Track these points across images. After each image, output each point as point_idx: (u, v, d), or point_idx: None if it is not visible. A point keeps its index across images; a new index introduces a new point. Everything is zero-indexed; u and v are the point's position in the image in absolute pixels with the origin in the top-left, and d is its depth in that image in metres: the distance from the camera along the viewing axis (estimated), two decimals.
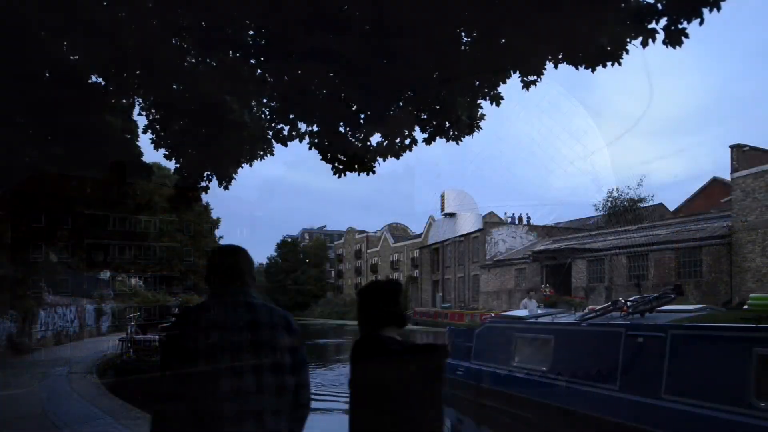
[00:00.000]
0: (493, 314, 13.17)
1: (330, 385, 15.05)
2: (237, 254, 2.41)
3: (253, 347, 2.18)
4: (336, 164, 5.77)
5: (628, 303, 8.46)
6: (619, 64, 4.01)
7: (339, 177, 5.80)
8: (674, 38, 3.75)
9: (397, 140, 5.59)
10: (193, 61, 5.42)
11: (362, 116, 5.35)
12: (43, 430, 7.41)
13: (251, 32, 4.88)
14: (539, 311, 11.16)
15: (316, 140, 5.66)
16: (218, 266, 2.39)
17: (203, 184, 6.87)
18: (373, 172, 5.86)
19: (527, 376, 9.37)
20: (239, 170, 6.68)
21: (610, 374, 7.68)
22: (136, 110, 6.50)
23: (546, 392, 8.75)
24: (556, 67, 4.24)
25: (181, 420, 2.09)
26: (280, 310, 2.40)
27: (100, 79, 5.72)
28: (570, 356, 8.75)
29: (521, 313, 11.12)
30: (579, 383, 8.20)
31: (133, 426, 7.71)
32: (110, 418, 7.85)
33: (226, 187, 6.68)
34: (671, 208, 48.82)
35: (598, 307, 9.27)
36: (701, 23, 3.67)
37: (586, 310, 10.41)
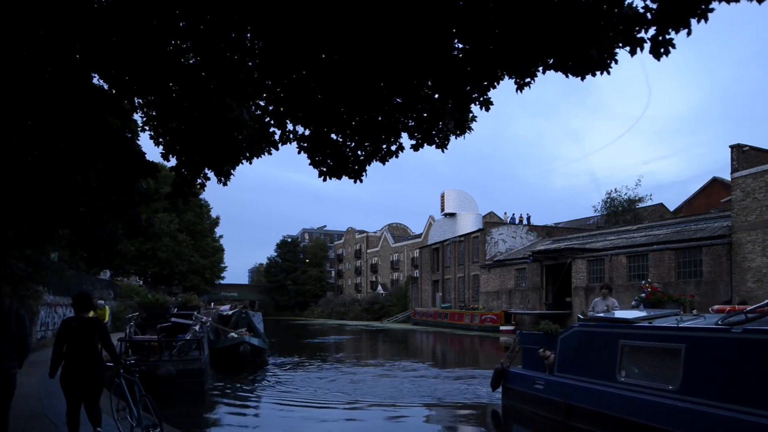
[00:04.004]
0: (580, 316, 10.81)
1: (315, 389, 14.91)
2: None
3: (1, 321, 5.53)
4: (322, 168, 5.81)
5: None
6: (608, 73, 4.04)
7: (324, 180, 5.89)
8: (660, 49, 3.77)
9: (383, 146, 5.62)
10: (193, 61, 5.44)
11: (353, 122, 5.38)
12: (43, 430, 7.42)
13: (249, 34, 4.90)
14: (642, 312, 9.08)
15: (305, 144, 5.68)
16: None
17: (200, 180, 6.88)
18: (360, 180, 5.87)
19: (645, 397, 7.44)
20: (239, 167, 6.69)
21: None
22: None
23: (676, 419, 6.89)
24: (544, 73, 4.28)
25: None
26: (15, 306, 5.91)
27: (101, 81, 5.74)
28: (714, 372, 6.77)
29: (628, 314, 9.08)
30: (733, 410, 6.30)
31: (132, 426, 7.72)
32: (110, 418, 7.86)
33: (225, 183, 6.69)
34: (671, 208, 48.93)
35: (749, 307, 7.15)
36: (689, 34, 3.68)
37: (711, 310, 8.48)
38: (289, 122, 5.63)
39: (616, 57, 3.96)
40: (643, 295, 10.11)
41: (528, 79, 4.33)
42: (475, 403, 12.08)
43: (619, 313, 9.42)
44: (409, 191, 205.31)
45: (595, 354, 8.77)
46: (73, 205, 7.81)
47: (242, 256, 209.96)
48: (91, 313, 6.86)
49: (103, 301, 19.28)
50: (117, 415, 7.17)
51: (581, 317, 10.21)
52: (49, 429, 7.48)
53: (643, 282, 12.77)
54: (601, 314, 9.81)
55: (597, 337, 8.96)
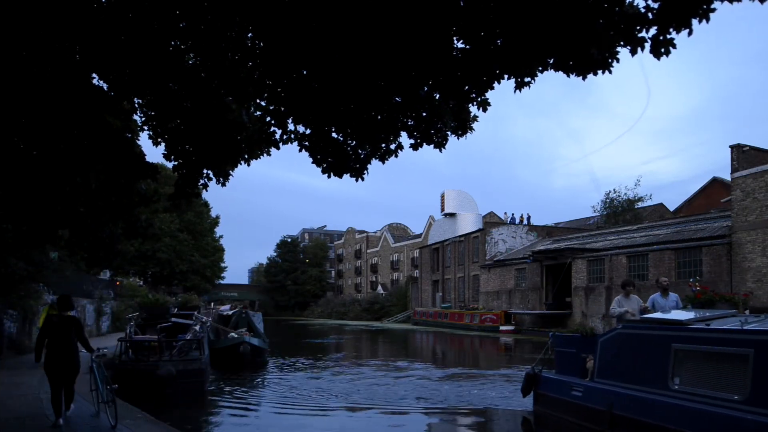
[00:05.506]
0: (618, 313, 9.57)
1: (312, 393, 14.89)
2: None
3: None
4: (325, 166, 5.82)
5: None
6: (609, 72, 4.04)
7: (329, 177, 5.88)
8: (661, 49, 3.78)
9: (383, 145, 5.63)
10: (192, 62, 5.44)
11: (353, 121, 5.39)
12: (42, 430, 7.42)
13: (250, 34, 4.90)
14: (691, 313, 8.24)
15: (306, 143, 5.69)
16: None
17: (203, 181, 6.89)
18: (362, 178, 5.87)
19: (705, 407, 6.73)
20: (238, 167, 6.70)
21: None
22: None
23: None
24: (543, 72, 4.29)
25: None
26: None
27: (101, 82, 5.74)
28: None
29: (679, 315, 8.20)
30: None
31: (132, 426, 7.72)
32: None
33: (223, 184, 6.70)
34: (671, 208, 48.93)
35: None
36: (690, 34, 3.69)
37: None
38: (290, 122, 5.63)
39: (618, 56, 3.96)
40: (694, 290, 9.42)
41: (528, 79, 4.33)
42: (501, 408, 11.50)
43: (667, 315, 8.50)
44: (409, 191, 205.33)
45: (643, 358, 8.04)
46: (72, 205, 7.82)
47: (242, 256, 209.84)
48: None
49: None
50: (92, 394, 8.68)
51: (621, 316, 9.42)
52: (49, 429, 7.48)
53: (690, 280, 11.72)
54: (636, 315, 9.17)
55: (644, 340, 8.17)
